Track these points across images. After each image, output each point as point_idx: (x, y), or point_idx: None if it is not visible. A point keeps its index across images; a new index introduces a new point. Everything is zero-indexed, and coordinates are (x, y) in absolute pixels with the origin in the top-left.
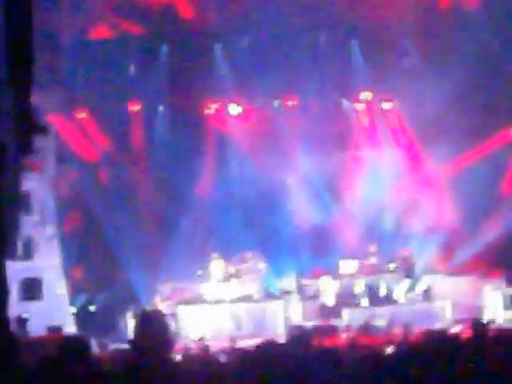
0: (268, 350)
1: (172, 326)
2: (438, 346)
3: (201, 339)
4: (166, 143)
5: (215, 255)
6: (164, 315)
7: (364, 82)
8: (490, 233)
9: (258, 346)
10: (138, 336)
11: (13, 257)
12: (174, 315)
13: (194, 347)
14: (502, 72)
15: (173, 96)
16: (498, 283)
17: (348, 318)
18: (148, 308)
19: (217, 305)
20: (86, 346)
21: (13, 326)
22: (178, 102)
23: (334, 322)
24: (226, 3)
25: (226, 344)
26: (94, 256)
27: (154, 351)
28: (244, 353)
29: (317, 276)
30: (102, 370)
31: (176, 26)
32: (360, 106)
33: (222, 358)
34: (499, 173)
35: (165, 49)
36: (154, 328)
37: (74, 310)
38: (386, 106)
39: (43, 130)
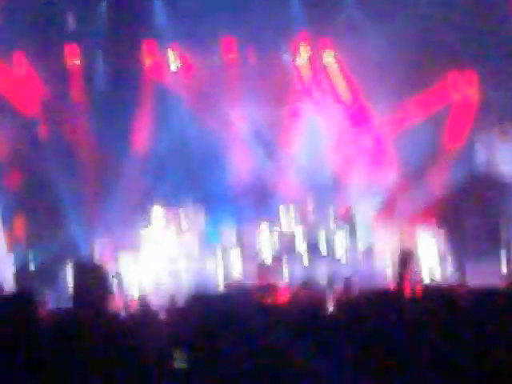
0: (203, 303)
1: (112, 280)
2: (379, 302)
3: (141, 296)
4: (105, 97)
5: (157, 204)
6: (103, 267)
7: (304, 35)
8: (431, 187)
9: (191, 300)
10: (77, 289)
11: None
12: (116, 273)
13: (134, 304)
14: (443, 20)
15: (112, 49)
16: (435, 235)
17: (288, 275)
18: (87, 260)
19: (157, 258)
20: (33, 301)
21: None
22: (118, 55)
23: (274, 279)
24: None
25: (165, 301)
26: (34, 211)
27: (93, 305)
28: (180, 309)
29: (256, 230)
30: (41, 328)
31: None
32: (300, 59)
33: (162, 316)
34: (441, 126)
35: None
36: (93, 279)
37: (12, 266)
38: (328, 58)
39: None
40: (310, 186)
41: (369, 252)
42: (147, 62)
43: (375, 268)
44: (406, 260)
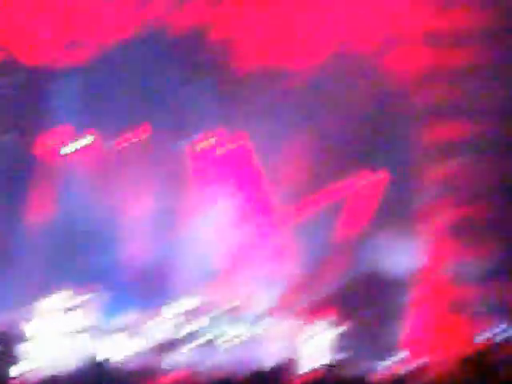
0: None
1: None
2: None
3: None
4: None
5: (50, 288)
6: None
7: (211, 122)
8: (328, 277)
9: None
10: None
11: None
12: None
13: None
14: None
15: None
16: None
17: (173, 359)
18: None
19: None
20: None
21: None
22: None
23: (162, 363)
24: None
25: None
26: None
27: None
28: None
29: (145, 316)
30: None
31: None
32: (203, 146)
33: None
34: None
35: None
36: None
37: None
38: (233, 146)
39: None
40: (202, 277)
41: (261, 337)
42: (46, 141)
43: (267, 353)
44: None
